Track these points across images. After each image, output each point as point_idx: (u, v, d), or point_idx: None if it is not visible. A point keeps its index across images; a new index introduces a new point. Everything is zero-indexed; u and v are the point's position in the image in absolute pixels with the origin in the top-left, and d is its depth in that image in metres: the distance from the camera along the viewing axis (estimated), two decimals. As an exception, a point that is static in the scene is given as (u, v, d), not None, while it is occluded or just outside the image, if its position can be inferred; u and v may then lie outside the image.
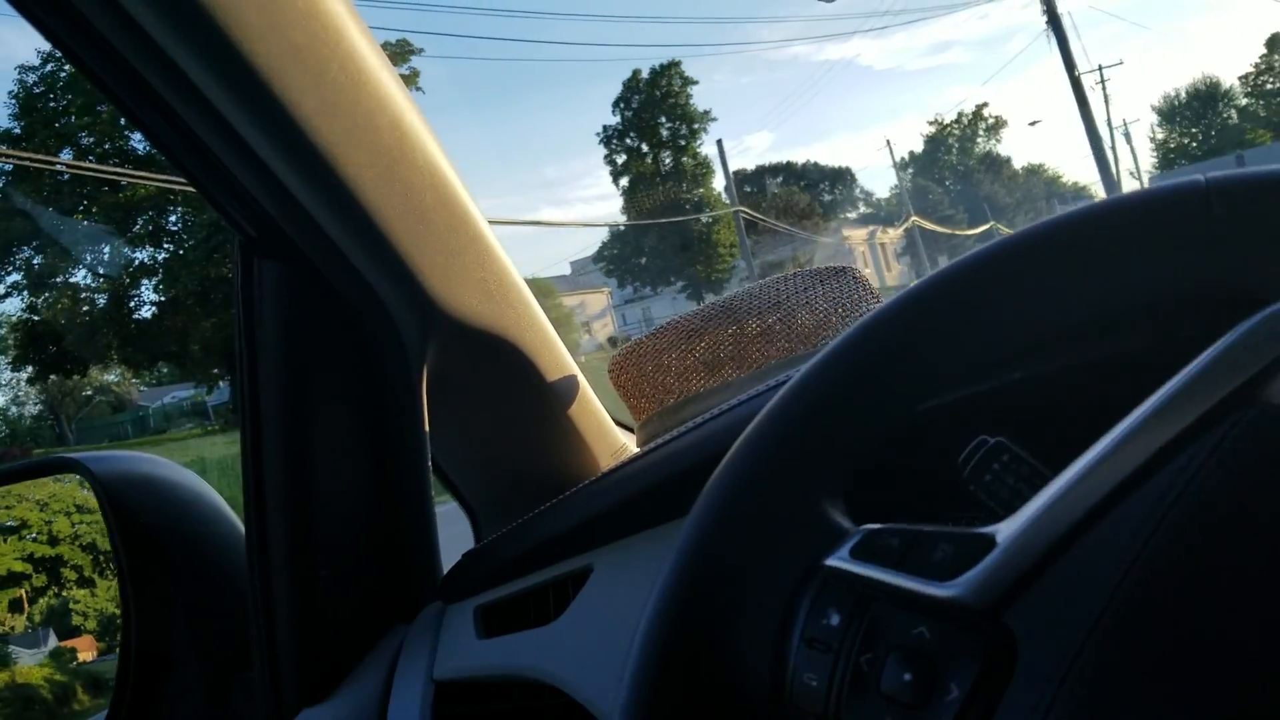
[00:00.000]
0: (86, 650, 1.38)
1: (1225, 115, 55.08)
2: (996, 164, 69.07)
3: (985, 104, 77.48)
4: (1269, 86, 52.19)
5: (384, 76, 0.84)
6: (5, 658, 1.37)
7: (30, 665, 1.36)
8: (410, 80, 30.06)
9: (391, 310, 0.92)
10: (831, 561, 0.44)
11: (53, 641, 1.39)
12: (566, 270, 53.99)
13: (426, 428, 0.96)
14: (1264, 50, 52.31)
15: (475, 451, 1.13)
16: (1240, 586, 0.35)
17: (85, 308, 28.73)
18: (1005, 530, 0.40)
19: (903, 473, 0.64)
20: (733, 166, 46.73)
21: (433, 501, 0.99)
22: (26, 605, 1.40)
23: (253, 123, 0.76)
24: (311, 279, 0.89)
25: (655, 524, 0.83)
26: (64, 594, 1.41)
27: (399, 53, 29.84)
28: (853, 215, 62.32)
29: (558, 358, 1.08)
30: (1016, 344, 0.49)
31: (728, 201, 39.88)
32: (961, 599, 0.39)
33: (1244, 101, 53.81)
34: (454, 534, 1.09)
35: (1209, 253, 0.46)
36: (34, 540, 1.35)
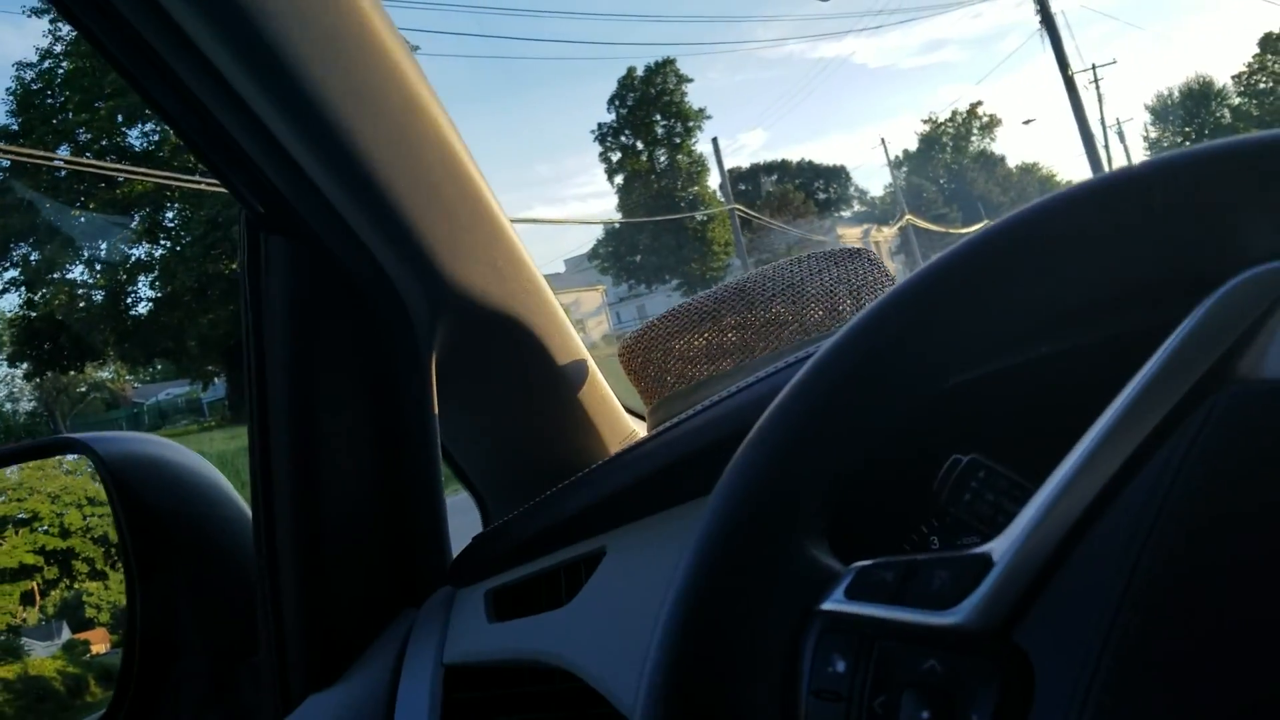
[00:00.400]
0: (100, 643, 1.38)
1: (1218, 114, 55.19)
2: (991, 162, 69.23)
3: (979, 102, 77.74)
4: (1262, 86, 52.33)
5: (395, 50, 0.82)
6: (18, 650, 1.36)
7: (43, 658, 1.35)
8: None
9: (400, 288, 0.91)
10: (827, 605, 0.42)
11: (66, 634, 1.39)
12: (561, 268, 53.97)
13: (435, 409, 0.95)
14: (1257, 50, 52.46)
15: (484, 435, 1.11)
16: (1248, 573, 0.34)
17: (82, 304, 28.72)
18: (1000, 547, 0.39)
19: (873, 504, 0.62)
20: (727, 164, 46.82)
21: (441, 484, 0.98)
22: (39, 598, 1.40)
23: (261, 94, 0.75)
24: (319, 256, 0.88)
25: (670, 505, 0.82)
26: (76, 586, 1.40)
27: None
28: (847, 214, 62.44)
29: (568, 341, 1.07)
30: (975, 354, 0.48)
31: (722, 199, 39.93)
32: (968, 624, 0.38)
33: (1237, 101, 53.94)
34: (463, 523, 1.07)
35: (1157, 238, 0.45)
36: (45, 533, 1.34)
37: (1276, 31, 50.82)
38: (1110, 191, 0.46)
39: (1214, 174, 0.44)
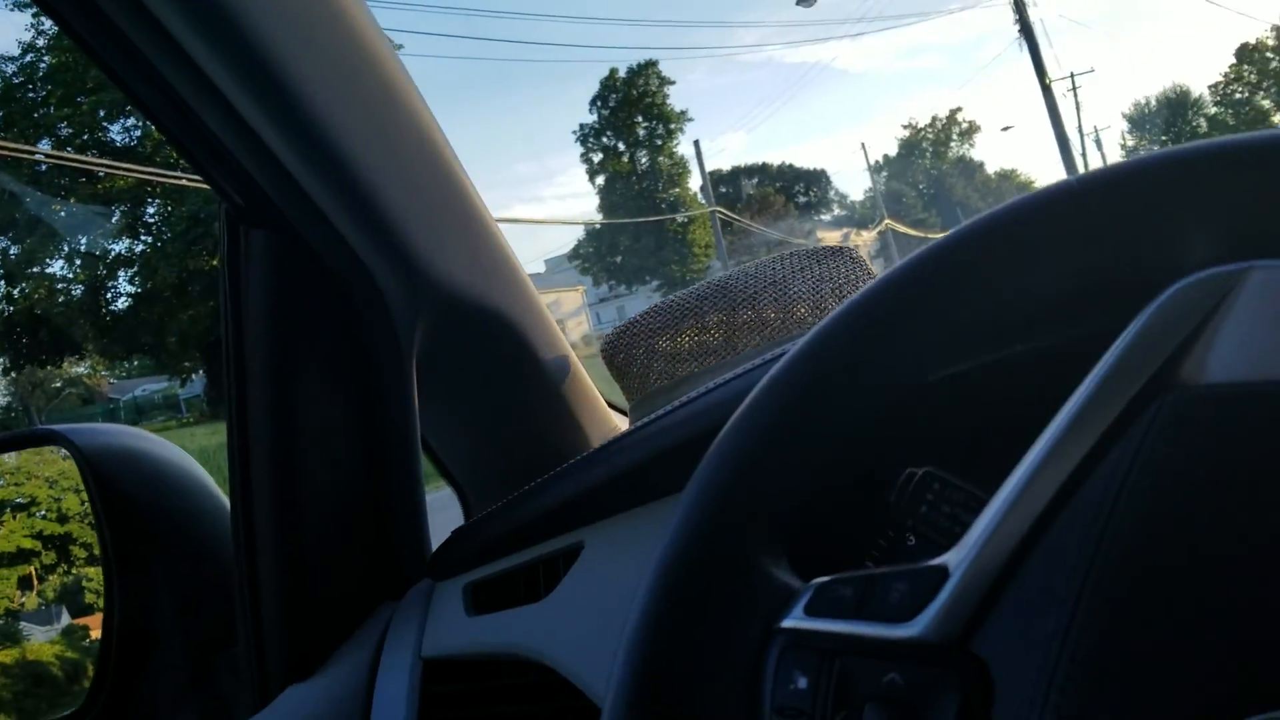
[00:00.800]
0: (100, 628, 1.37)
1: (1195, 123, 55.55)
2: (970, 169, 69.42)
3: (959, 108, 77.82)
4: (1238, 96, 52.69)
5: (377, 44, 0.82)
6: (16, 634, 1.35)
7: (42, 642, 1.34)
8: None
9: (380, 282, 0.91)
10: (788, 623, 0.43)
11: (65, 619, 1.38)
12: (541, 268, 53.91)
13: (416, 403, 0.95)
14: (1234, 60, 52.87)
15: (465, 429, 1.11)
16: (1194, 574, 0.35)
17: (61, 298, 28.51)
18: (955, 558, 0.40)
19: (832, 519, 0.63)
20: (708, 166, 46.90)
21: (422, 478, 0.97)
22: (36, 582, 1.39)
23: (242, 88, 0.75)
24: (299, 249, 0.88)
25: (647, 500, 0.82)
26: (75, 572, 1.40)
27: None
28: (827, 217, 62.62)
29: (550, 336, 1.07)
30: (922, 365, 0.49)
31: (703, 201, 40.01)
32: (926, 636, 0.38)
33: (1214, 110, 54.24)
34: (446, 520, 1.07)
35: (1098, 248, 0.46)
36: (43, 518, 1.33)
37: (1252, 42, 51.34)
38: (1052, 203, 0.46)
39: (1151, 184, 0.45)
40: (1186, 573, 0.35)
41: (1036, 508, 0.39)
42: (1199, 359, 0.39)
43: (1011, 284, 0.47)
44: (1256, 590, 0.34)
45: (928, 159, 69.37)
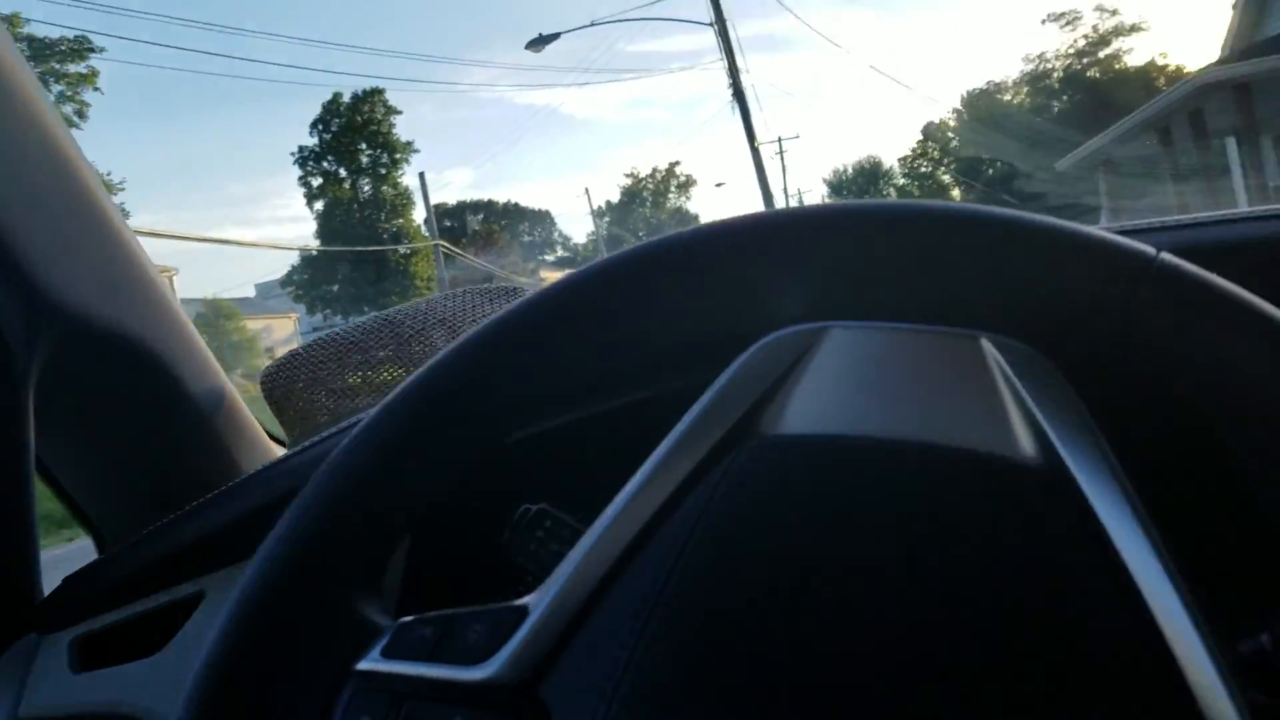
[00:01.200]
0: None
1: (885, 192, 60.17)
2: (686, 220, 72.23)
3: (678, 162, 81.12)
4: (923, 169, 57.71)
5: None
6: None
7: None
8: (88, 79, 28.05)
9: None
10: (363, 665, 0.41)
11: None
12: (251, 293, 51.62)
13: (32, 435, 0.85)
14: (920, 137, 58.02)
15: (97, 464, 1.01)
16: (749, 617, 0.35)
17: None
18: (537, 599, 0.39)
19: (451, 553, 0.62)
20: (434, 200, 46.45)
21: (35, 521, 0.87)
22: None
23: None
24: None
25: None
26: None
27: (76, 49, 27.54)
28: (551, 258, 63.64)
29: (200, 365, 0.99)
30: (528, 412, 0.48)
31: (427, 234, 39.61)
32: (495, 679, 0.38)
33: (902, 181, 59.06)
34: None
35: (700, 301, 0.46)
36: None
37: (937, 121, 56.50)
38: (656, 258, 0.47)
39: (744, 244, 0.46)
40: (743, 615, 0.36)
41: (615, 551, 0.39)
42: (776, 411, 0.40)
43: (625, 330, 0.46)
44: (808, 632, 0.35)
45: (648, 208, 71.80)
